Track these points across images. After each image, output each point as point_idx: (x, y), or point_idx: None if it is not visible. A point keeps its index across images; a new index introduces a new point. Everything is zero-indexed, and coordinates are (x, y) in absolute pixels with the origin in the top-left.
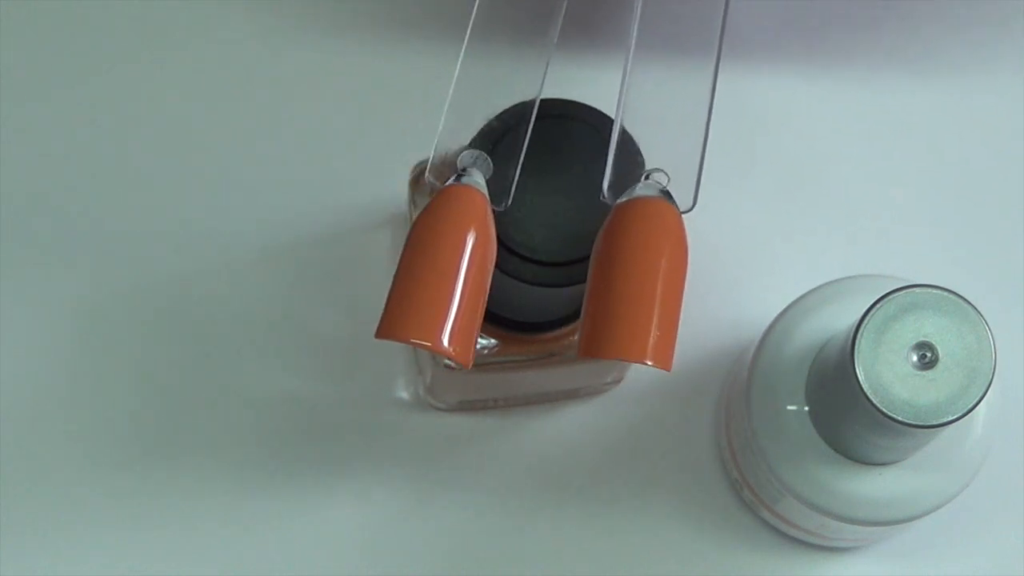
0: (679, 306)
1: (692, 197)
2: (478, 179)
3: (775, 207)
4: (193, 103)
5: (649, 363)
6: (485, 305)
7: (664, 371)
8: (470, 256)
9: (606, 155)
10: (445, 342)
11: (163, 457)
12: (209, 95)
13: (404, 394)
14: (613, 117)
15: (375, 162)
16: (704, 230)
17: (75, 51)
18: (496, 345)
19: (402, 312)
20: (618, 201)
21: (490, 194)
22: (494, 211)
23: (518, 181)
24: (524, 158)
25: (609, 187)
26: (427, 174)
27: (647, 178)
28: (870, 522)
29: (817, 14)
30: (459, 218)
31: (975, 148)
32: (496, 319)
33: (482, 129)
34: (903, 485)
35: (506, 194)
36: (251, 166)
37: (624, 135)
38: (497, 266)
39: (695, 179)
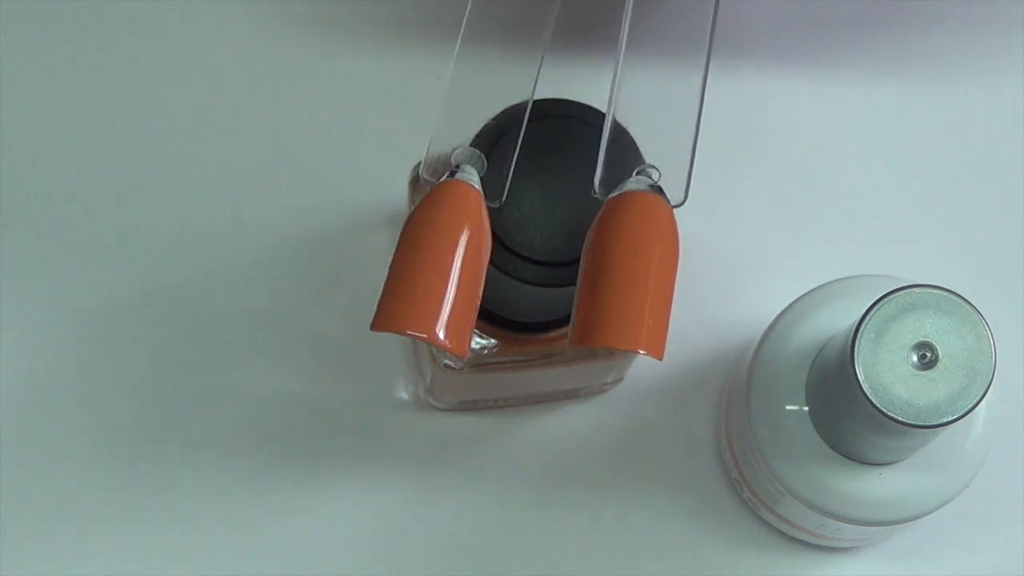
0: (671, 297)
1: (683, 191)
2: (471, 175)
3: (775, 207)
4: (193, 104)
5: (642, 352)
6: (480, 300)
7: (657, 360)
8: (464, 250)
9: (645, 171)
10: (441, 334)
11: (163, 457)
12: (209, 96)
13: (404, 394)
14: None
15: (375, 162)
16: (705, 230)
17: (75, 52)
18: (496, 345)
19: (398, 305)
20: (610, 196)
21: (485, 191)
22: (491, 209)
23: (519, 182)
24: (525, 158)
25: (601, 182)
26: (421, 172)
27: (639, 173)
28: (870, 522)
29: (818, 16)
30: (453, 213)
31: (975, 148)
32: (496, 319)
33: (481, 129)
34: (903, 485)
35: (501, 191)
36: (251, 167)
37: (620, 132)
38: (497, 266)
39: (686, 174)
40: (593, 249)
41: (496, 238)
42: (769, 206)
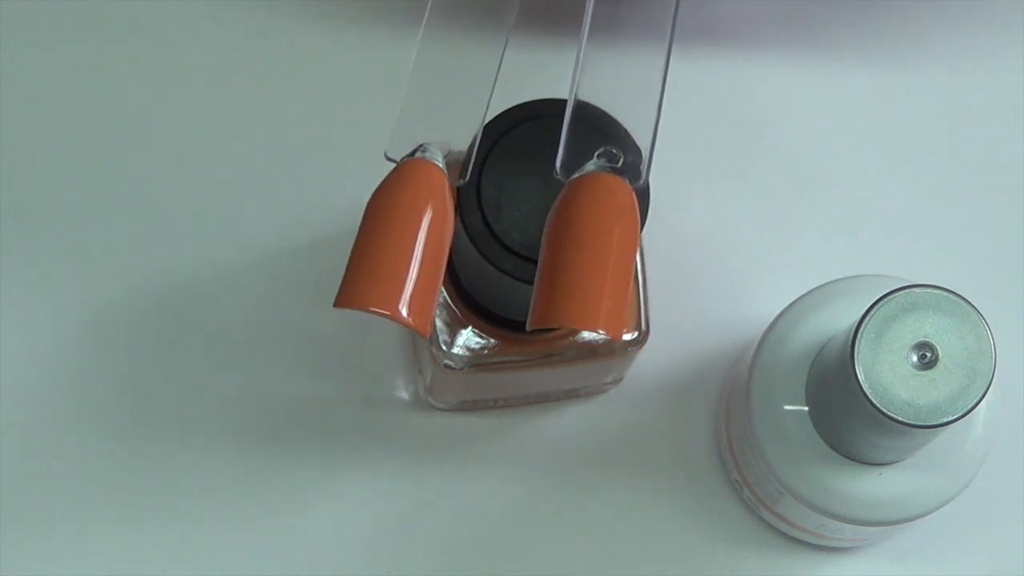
0: (629, 279)
1: (644, 172)
2: (435, 155)
3: (775, 207)
4: (192, 105)
5: (601, 331)
6: (442, 278)
7: (616, 340)
8: (427, 229)
9: (606, 153)
10: (404, 311)
11: (162, 457)
12: (207, 97)
13: (404, 394)
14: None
15: (375, 162)
16: (704, 230)
17: (75, 54)
18: (496, 345)
19: (360, 282)
20: (570, 178)
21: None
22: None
23: (519, 181)
24: (525, 158)
25: (562, 165)
26: (386, 151)
27: (600, 156)
28: (870, 522)
29: (818, 12)
30: (416, 192)
31: (976, 148)
32: (496, 319)
33: (486, 126)
34: (903, 485)
35: (465, 171)
36: (251, 168)
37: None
38: (497, 266)
39: (648, 155)
40: (553, 230)
41: (496, 237)
42: (769, 206)
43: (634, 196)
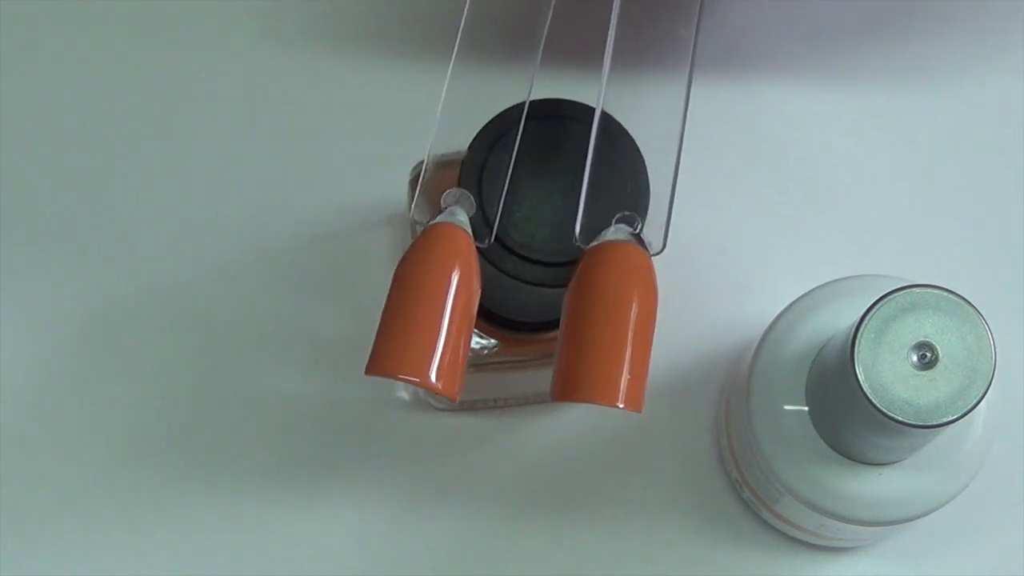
0: (649, 349)
1: (662, 240)
2: (461, 217)
3: (776, 208)
4: (193, 104)
5: (621, 407)
6: (471, 340)
7: (636, 413)
8: (455, 294)
9: (606, 154)
10: (433, 378)
11: (163, 457)
12: (209, 96)
13: (404, 394)
14: (618, 121)
15: (375, 162)
16: (705, 230)
17: (77, 53)
18: (496, 345)
19: (390, 349)
20: (589, 246)
21: (474, 230)
22: (478, 248)
23: (519, 181)
24: (525, 158)
25: (581, 230)
26: (412, 215)
27: (619, 221)
28: (870, 522)
29: (817, 20)
30: (443, 257)
31: (975, 148)
32: (496, 319)
33: (478, 132)
34: (903, 485)
35: (489, 230)
36: (252, 167)
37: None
38: (497, 266)
39: (665, 222)
40: (573, 302)
41: (496, 238)
42: (770, 206)
43: (652, 264)
